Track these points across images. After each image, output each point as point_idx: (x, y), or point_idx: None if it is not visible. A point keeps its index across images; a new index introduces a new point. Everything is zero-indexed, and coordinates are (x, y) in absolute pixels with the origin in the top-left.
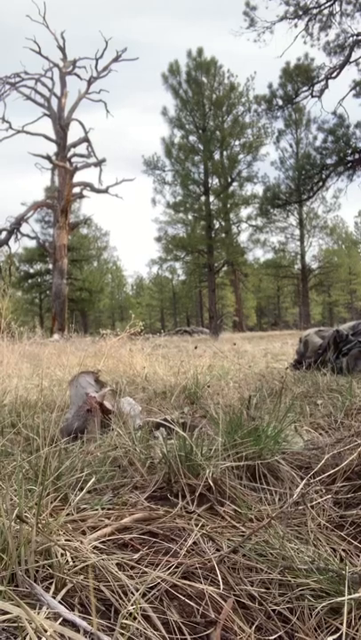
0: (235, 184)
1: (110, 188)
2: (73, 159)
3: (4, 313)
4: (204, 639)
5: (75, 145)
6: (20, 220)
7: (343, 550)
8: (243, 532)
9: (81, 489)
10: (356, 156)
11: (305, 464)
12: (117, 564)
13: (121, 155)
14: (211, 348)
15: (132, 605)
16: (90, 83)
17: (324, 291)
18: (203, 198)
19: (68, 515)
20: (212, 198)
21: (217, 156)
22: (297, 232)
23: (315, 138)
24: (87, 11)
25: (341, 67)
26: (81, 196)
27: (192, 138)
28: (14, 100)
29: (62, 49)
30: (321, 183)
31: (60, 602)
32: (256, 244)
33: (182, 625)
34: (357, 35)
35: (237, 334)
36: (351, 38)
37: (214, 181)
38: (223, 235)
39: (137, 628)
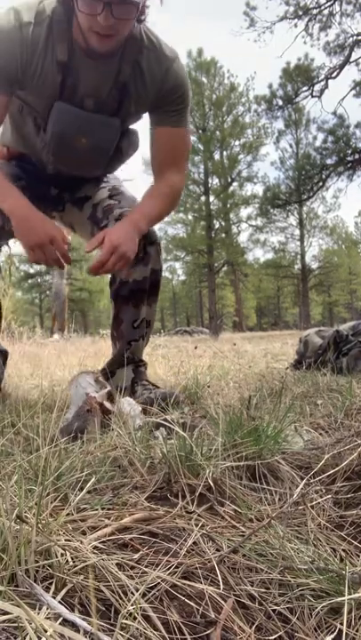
0: (235, 184)
1: None
2: None
3: (5, 313)
4: (204, 639)
5: None
6: None
7: (343, 550)
8: (243, 532)
9: (81, 489)
10: (356, 156)
11: (305, 464)
12: (117, 564)
13: None
14: (211, 348)
15: (132, 605)
16: None
17: (324, 291)
18: (203, 198)
19: (68, 515)
20: (212, 198)
21: (217, 156)
22: (297, 232)
23: (315, 138)
24: None
25: (341, 67)
26: None
27: (192, 138)
28: None
29: None
30: (321, 183)
31: (60, 602)
32: (256, 244)
33: (182, 625)
34: (357, 35)
35: (237, 334)
36: (351, 38)
37: (214, 181)
38: (223, 235)
39: (137, 628)
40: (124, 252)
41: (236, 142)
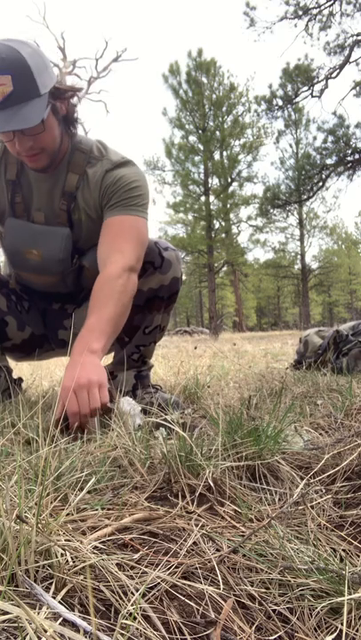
0: (235, 184)
1: None
2: None
3: None
4: (204, 639)
5: None
6: None
7: (343, 550)
8: (243, 532)
9: (81, 489)
10: (357, 155)
11: (305, 464)
12: (117, 564)
13: None
14: (211, 348)
15: (132, 605)
16: (90, 83)
17: (324, 291)
18: (203, 198)
19: (68, 515)
20: (212, 198)
21: (217, 156)
22: (297, 232)
23: (315, 138)
24: (87, 11)
25: (341, 67)
26: None
27: (192, 138)
28: None
29: (62, 49)
30: (321, 183)
31: (60, 602)
32: (256, 244)
33: (182, 625)
34: (357, 35)
35: (237, 334)
36: (351, 38)
37: (214, 181)
38: (223, 235)
39: (137, 628)
40: (85, 386)
41: (236, 142)
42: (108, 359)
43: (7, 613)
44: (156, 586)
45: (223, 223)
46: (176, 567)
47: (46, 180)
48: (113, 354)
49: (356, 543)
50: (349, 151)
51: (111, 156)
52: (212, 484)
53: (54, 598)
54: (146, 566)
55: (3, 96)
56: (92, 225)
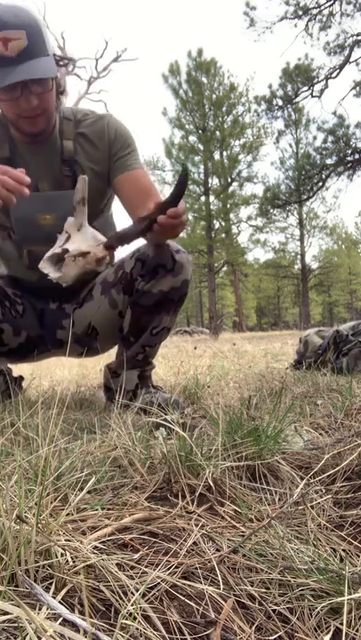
0: (235, 184)
1: None
2: None
3: None
4: (204, 639)
5: None
6: None
7: (343, 550)
8: (243, 532)
9: (81, 489)
10: (357, 155)
11: (305, 464)
12: (117, 564)
13: None
14: (211, 348)
15: (132, 605)
16: (90, 83)
17: (324, 291)
18: (203, 198)
19: (68, 515)
20: (212, 198)
21: (217, 156)
22: (297, 232)
23: (315, 138)
24: (87, 11)
25: (341, 67)
26: None
27: (192, 138)
28: None
29: (62, 49)
30: (321, 183)
31: (60, 602)
32: (256, 244)
33: (182, 625)
34: (357, 35)
35: (237, 334)
36: (351, 38)
37: (214, 181)
38: (223, 235)
39: (137, 628)
40: (185, 218)
41: (236, 142)
42: (111, 357)
43: (7, 613)
44: (156, 586)
45: (223, 223)
46: (176, 567)
47: (42, 152)
48: (116, 352)
49: (356, 543)
50: (349, 151)
51: (97, 112)
52: (212, 484)
53: (54, 598)
54: (146, 566)
55: (18, 50)
56: (97, 181)
